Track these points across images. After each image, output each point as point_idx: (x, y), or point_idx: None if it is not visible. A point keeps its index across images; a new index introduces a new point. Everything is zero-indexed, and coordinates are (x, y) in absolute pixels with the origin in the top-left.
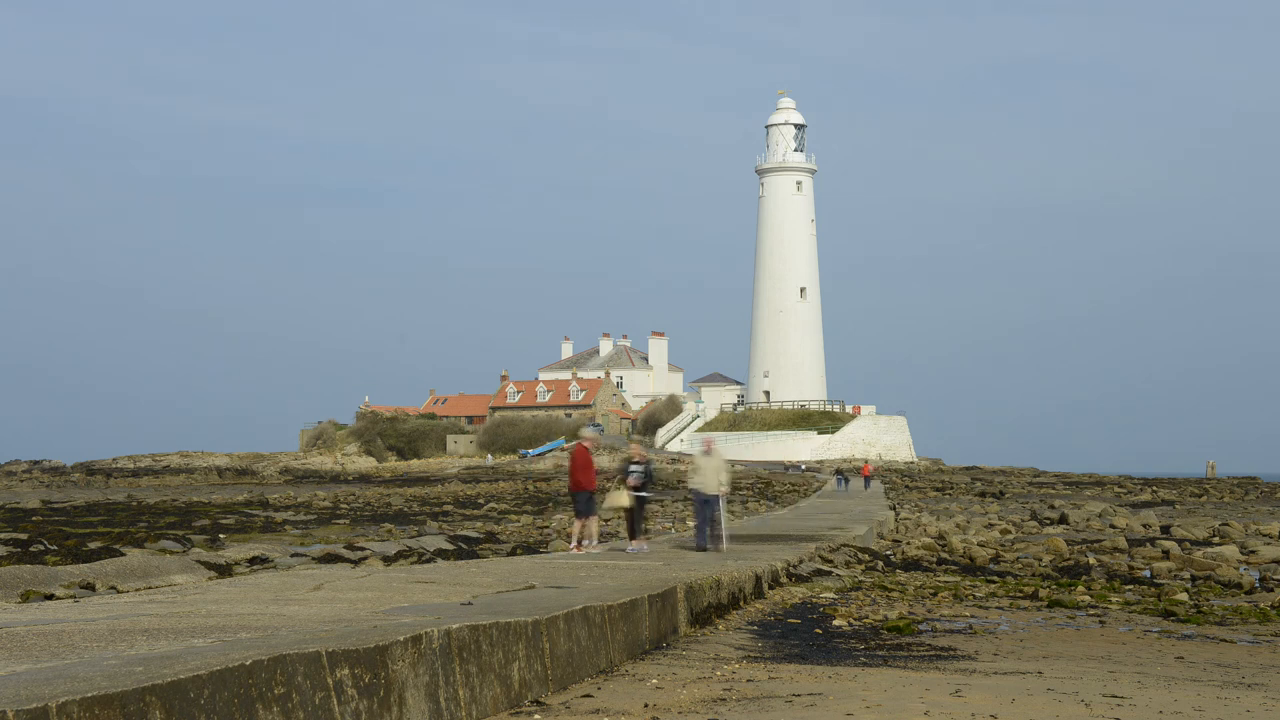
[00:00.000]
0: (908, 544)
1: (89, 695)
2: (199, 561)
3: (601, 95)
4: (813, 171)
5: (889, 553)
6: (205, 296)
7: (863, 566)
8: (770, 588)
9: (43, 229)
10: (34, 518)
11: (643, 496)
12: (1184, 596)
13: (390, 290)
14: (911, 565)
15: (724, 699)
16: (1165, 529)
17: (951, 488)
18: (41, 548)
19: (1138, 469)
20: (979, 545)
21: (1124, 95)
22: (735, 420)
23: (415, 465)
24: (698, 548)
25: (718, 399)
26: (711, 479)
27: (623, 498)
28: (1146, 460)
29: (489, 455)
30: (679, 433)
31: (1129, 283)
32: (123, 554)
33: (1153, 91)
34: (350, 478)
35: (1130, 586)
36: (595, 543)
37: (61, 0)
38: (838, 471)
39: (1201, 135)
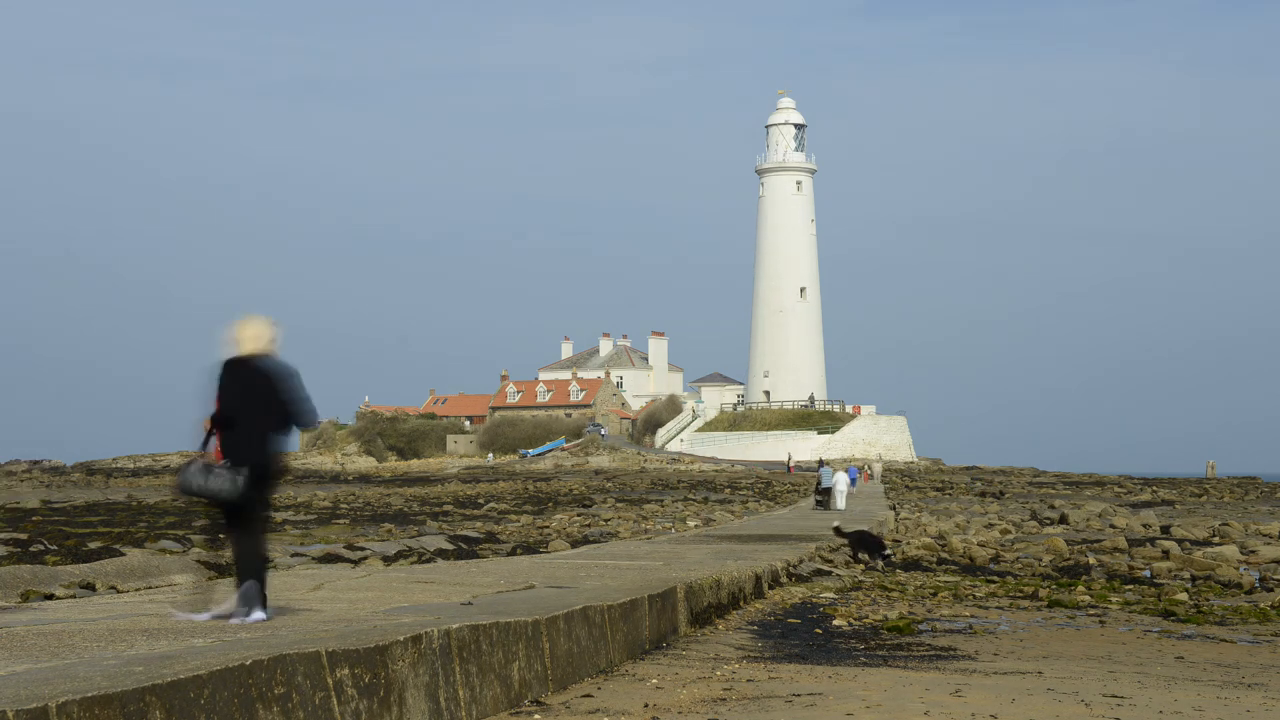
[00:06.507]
0: (908, 544)
1: (89, 695)
2: (199, 561)
3: (602, 95)
4: (813, 171)
5: (889, 553)
6: (205, 296)
7: (862, 566)
8: (770, 588)
9: (42, 226)
10: (34, 518)
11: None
12: (1184, 596)
13: (391, 290)
14: (911, 565)
15: (724, 699)
16: (1165, 529)
17: (951, 488)
18: (41, 548)
19: (1138, 469)
20: (979, 545)
21: (1123, 90)
22: (735, 420)
23: (415, 465)
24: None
25: (718, 399)
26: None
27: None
28: (1146, 460)
29: (489, 455)
30: (679, 433)
31: (1129, 283)
32: (123, 554)
33: (1156, 84)
34: (350, 477)
35: (1130, 586)
36: None
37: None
38: (821, 468)
39: (1202, 129)
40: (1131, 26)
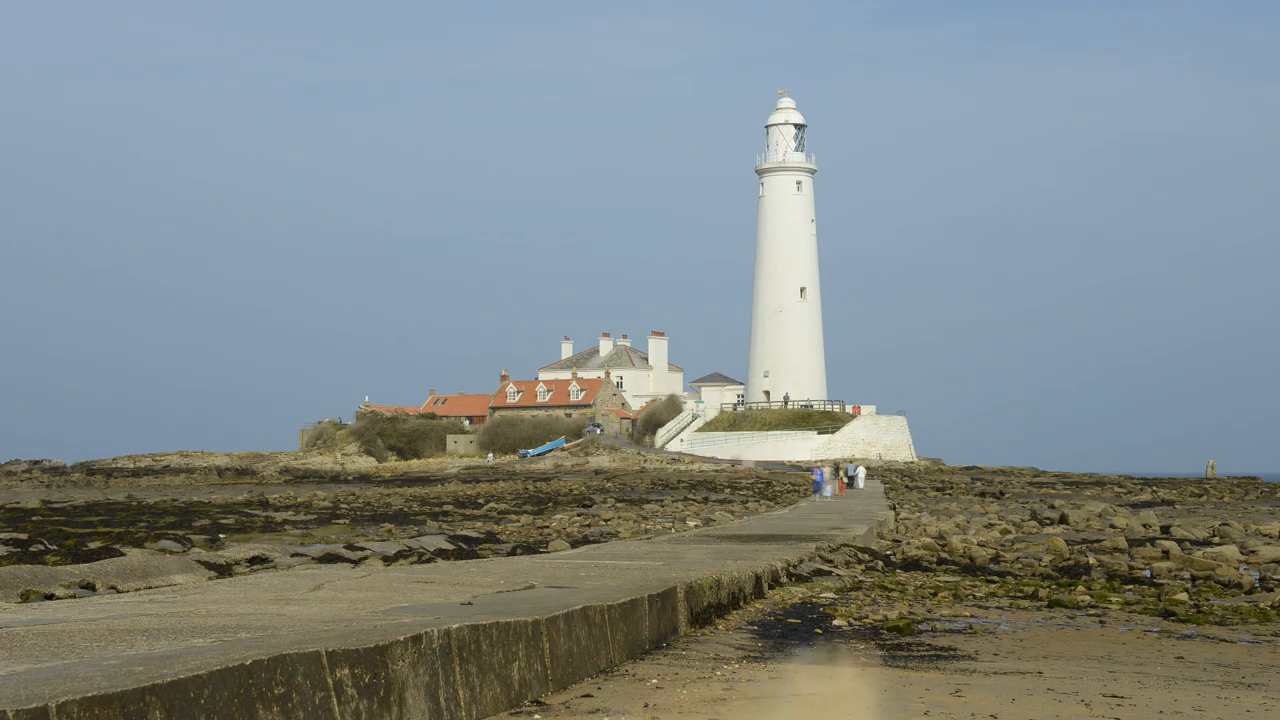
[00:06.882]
0: (908, 544)
1: (89, 695)
2: (199, 561)
3: (601, 95)
4: (813, 171)
5: (889, 553)
6: (205, 296)
7: (863, 566)
8: (770, 588)
9: (43, 226)
10: (34, 518)
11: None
12: (1184, 596)
13: (391, 290)
14: (911, 565)
15: (724, 699)
16: (1165, 529)
17: (951, 488)
18: (41, 548)
19: (1138, 469)
20: (979, 545)
21: (1123, 84)
22: (735, 420)
23: (415, 465)
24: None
25: (718, 399)
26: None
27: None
28: (1146, 460)
29: (489, 455)
30: (679, 433)
31: (1129, 283)
32: (123, 554)
33: (1153, 87)
34: (350, 478)
35: (1130, 586)
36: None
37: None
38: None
39: (1201, 131)
40: (1132, 31)
